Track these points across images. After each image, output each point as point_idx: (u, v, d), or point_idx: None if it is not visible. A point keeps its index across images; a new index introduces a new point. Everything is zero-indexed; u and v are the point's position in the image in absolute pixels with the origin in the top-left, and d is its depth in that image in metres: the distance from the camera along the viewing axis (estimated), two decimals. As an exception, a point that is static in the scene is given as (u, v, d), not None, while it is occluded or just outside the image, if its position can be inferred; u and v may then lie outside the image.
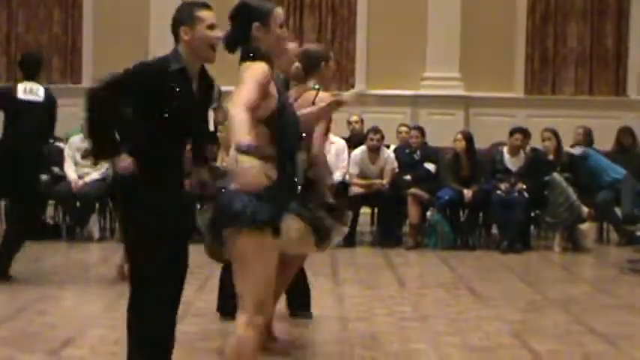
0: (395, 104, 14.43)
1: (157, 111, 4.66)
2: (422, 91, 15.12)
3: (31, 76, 8.42)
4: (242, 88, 3.96)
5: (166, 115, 4.65)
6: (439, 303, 8.05)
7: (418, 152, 12.14)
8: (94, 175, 11.22)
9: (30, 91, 8.35)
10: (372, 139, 11.58)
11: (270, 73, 4.08)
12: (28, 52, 11.01)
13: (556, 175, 11.50)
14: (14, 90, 8.38)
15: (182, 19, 4.69)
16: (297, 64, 6.32)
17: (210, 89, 4.93)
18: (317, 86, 6.20)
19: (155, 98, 4.65)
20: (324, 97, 5.92)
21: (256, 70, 4.04)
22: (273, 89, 4.10)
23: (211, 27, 4.66)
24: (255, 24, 4.14)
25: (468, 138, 11.85)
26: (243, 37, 4.17)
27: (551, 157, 11.85)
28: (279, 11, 4.21)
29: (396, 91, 14.61)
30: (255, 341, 4.04)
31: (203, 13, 4.69)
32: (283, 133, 4.09)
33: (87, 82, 15.23)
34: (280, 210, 4.04)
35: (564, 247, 11.47)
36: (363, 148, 11.69)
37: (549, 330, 7.03)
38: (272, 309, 6.14)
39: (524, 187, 11.44)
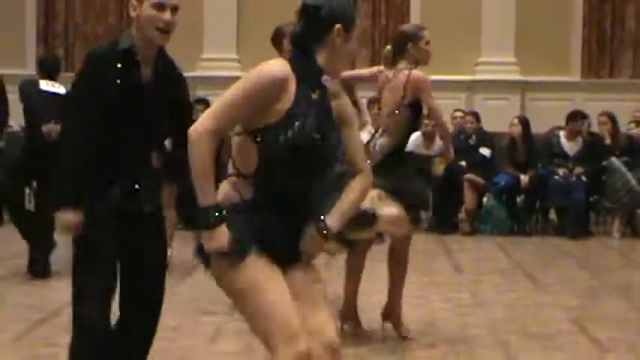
0: (450, 90, 14.33)
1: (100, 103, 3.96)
2: (477, 77, 15.01)
3: (50, 77, 8.46)
4: (221, 98, 3.30)
5: (106, 107, 3.94)
6: (496, 289, 8.00)
7: (473, 137, 12.07)
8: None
9: (52, 85, 8.38)
10: (426, 125, 11.53)
11: (284, 80, 3.28)
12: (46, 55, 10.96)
13: (614, 160, 11.36)
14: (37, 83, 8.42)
15: None
16: (388, 46, 6.21)
17: (172, 78, 4.16)
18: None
19: (100, 87, 3.96)
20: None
21: (260, 73, 3.31)
22: (283, 101, 3.28)
23: (159, 7, 3.93)
24: (338, 26, 3.38)
25: (525, 123, 11.76)
26: (317, 37, 3.40)
27: (608, 141, 11.71)
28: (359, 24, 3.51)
29: (451, 77, 14.51)
30: None
31: None
32: (274, 155, 3.27)
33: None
34: (242, 236, 3.25)
35: (623, 232, 11.34)
36: (417, 134, 11.63)
37: (608, 317, 6.96)
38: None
39: (583, 171, 11.31)
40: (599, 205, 11.84)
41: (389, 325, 6.29)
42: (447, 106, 12.93)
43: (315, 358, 3.24)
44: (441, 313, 6.98)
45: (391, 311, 6.27)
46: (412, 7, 15.40)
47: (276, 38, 7.10)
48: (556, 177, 11.33)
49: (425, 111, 6.21)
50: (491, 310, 7.17)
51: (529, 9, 14.93)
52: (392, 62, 6.09)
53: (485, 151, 11.91)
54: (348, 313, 6.24)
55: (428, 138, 11.62)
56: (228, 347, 5.93)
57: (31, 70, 15.60)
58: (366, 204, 5.43)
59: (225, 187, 3.37)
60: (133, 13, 4.00)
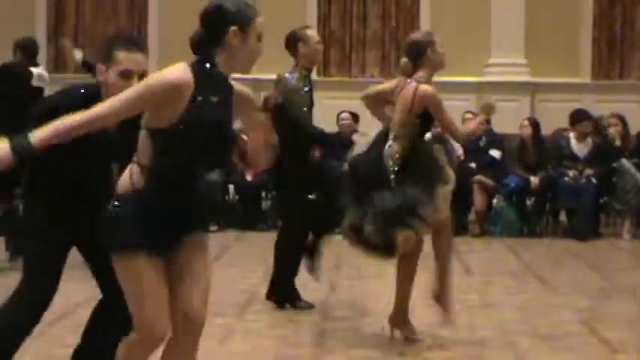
0: (459, 91, 14.31)
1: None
2: (487, 78, 15.00)
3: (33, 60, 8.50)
4: (124, 93, 3.58)
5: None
6: (506, 291, 7.99)
7: (483, 139, 12.06)
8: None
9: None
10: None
11: (182, 84, 3.52)
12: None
13: (624, 161, 11.35)
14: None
15: (100, 54, 4.11)
16: (404, 58, 6.13)
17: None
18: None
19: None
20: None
21: (159, 77, 3.57)
22: (176, 107, 3.52)
23: (126, 75, 4.02)
24: (233, 28, 3.56)
25: (535, 124, 11.75)
26: (216, 40, 3.59)
27: (617, 142, 11.69)
28: (260, 21, 3.65)
29: (461, 78, 14.49)
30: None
31: (121, 55, 4.06)
32: (166, 156, 3.58)
33: (152, 72, 15.38)
34: (133, 230, 3.61)
35: (634, 233, 11.32)
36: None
37: (619, 318, 6.95)
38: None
39: (593, 173, 11.30)
40: (609, 207, 11.81)
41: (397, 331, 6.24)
42: (457, 108, 12.91)
43: (174, 326, 3.69)
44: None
45: (398, 316, 6.19)
46: (422, 8, 15.38)
47: (290, 42, 7.11)
48: (566, 179, 11.32)
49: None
50: (501, 311, 7.16)
51: (539, 10, 14.91)
52: (412, 72, 6.06)
53: (495, 153, 11.90)
54: (399, 318, 6.16)
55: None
56: (239, 348, 5.94)
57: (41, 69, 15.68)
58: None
59: (127, 171, 3.65)
60: (100, 78, 4.05)
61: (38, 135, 3.50)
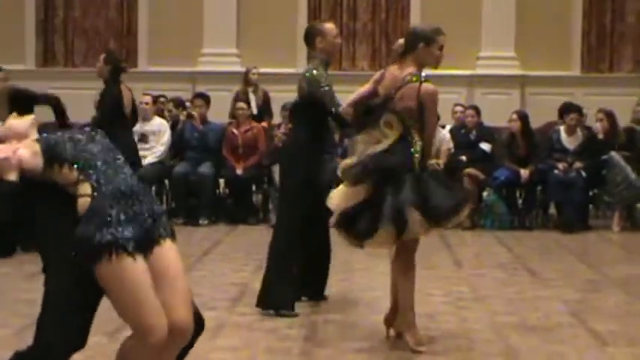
0: (450, 84, 14.31)
1: None
2: (477, 71, 15.02)
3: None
4: None
5: None
6: (496, 283, 8.01)
7: (474, 132, 12.07)
8: (150, 158, 11.35)
9: None
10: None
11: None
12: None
13: (614, 154, 11.37)
14: None
15: None
16: (401, 40, 6.02)
17: None
18: (421, 76, 5.79)
19: None
20: None
21: None
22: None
23: None
24: None
25: (523, 117, 11.76)
26: None
27: (600, 136, 11.72)
28: None
29: (451, 71, 14.50)
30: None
31: None
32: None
33: (142, 65, 15.38)
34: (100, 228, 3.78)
35: (623, 226, 11.35)
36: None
37: (609, 310, 6.97)
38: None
39: (582, 166, 11.33)
40: (599, 200, 11.85)
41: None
42: (448, 101, 12.94)
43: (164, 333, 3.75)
44: (441, 307, 6.99)
45: (394, 317, 6.00)
46: (412, 1, 15.39)
47: (309, 37, 7.02)
48: (556, 171, 11.34)
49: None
50: (491, 303, 7.18)
51: (529, 3, 14.95)
52: (400, 58, 5.94)
53: (485, 146, 11.91)
54: (395, 318, 6.00)
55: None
56: (229, 342, 5.94)
57: (30, 65, 15.66)
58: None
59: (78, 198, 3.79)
60: None
61: None
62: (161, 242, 3.86)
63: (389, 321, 6.07)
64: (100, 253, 3.71)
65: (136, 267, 3.71)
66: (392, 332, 6.07)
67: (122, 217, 3.77)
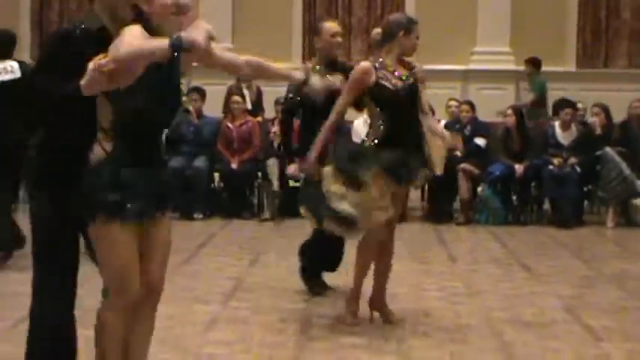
0: (445, 79, 14.35)
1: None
2: (472, 66, 15.03)
3: (4, 54, 8.21)
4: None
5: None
6: (491, 279, 8.01)
7: (468, 127, 12.06)
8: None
9: (4, 70, 8.05)
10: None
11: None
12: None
13: (608, 150, 11.37)
14: None
15: None
16: (378, 29, 6.19)
17: None
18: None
19: (64, 70, 3.81)
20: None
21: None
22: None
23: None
24: None
25: (518, 113, 11.76)
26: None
27: (598, 131, 11.73)
28: None
29: (446, 66, 14.52)
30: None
31: None
32: (122, 107, 3.82)
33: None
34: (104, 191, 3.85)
35: (617, 222, 11.36)
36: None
37: (603, 306, 6.97)
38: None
39: (577, 161, 11.34)
40: (594, 195, 11.86)
41: (377, 314, 6.37)
42: (442, 95, 12.96)
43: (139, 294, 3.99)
44: (435, 303, 6.99)
45: (377, 299, 6.36)
46: (408, -4, 15.39)
47: (312, 35, 7.08)
48: (550, 167, 11.35)
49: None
50: (485, 299, 7.18)
51: (524, -1, 14.97)
52: (380, 46, 6.10)
53: (480, 141, 11.90)
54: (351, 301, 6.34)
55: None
56: (223, 336, 5.94)
57: (25, 57, 15.59)
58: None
59: (95, 144, 3.86)
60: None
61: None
62: (159, 217, 4.03)
63: (371, 303, 6.36)
64: (100, 214, 3.85)
65: (119, 229, 3.87)
66: (375, 313, 6.33)
67: (134, 182, 3.87)
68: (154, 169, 4.00)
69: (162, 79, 3.87)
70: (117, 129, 3.84)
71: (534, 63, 14.27)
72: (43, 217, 4.09)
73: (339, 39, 7.04)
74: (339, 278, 7.21)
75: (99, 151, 3.85)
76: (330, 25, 7.02)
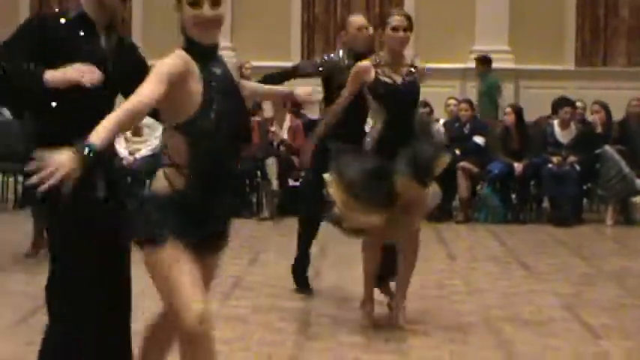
0: (444, 77, 14.33)
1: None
2: (471, 65, 15.02)
3: None
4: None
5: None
6: (490, 277, 8.01)
7: (467, 126, 12.07)
8: (144, 151, 11.32)
9: None
10: (420, 113, 11.50)
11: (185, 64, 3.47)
12: None
13: (608, 148, 11.38)
14: None
15: None
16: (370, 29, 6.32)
17: (127, 50, 4.00)
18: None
19: (46, 59, 3.69)
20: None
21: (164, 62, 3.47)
22: (193, 86, 3.49)
23: None
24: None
25: (518, 111, 11.77)
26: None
27: (599, 129, 11.74)
28: None
29: (445, 65, 14.51)
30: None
31: None
32: (199, 142, 3.48)
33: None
34: (167, 225, 3.47)
35: (617, 220, 11.36)
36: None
37: (602, 304, 6.98)
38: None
39: (576, 160, 11.34)
40: (593, 193, 11.87)
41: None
42: (441, 94, 12.96)
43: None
44: (434, 301, 6.99)
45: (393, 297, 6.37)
46: (407, -6, 15.38)
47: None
48: (550, 165, 11.35)
49: None
50: (485, 297, 7.18)
51: (523, -3, 14.97)
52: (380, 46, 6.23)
53: (479, 140, 11.91)
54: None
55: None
56: (222, 334, 5.91)
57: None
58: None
59: (159, 176, 3.54)
60: None
61: (95, 139, 3.22)
62: (214, 252, 3.70)
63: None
64: (154, 245, 3.49)
65: (183, 255, 3.50)
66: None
67: (196, 216, 3.53)
68: (222, 199, 3.61)
69: (225, 87, 3.58)
70: (196, 168, 3.51)
71: (484, 61, 14.27)
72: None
73: (366, 31, 7.07)
74: (343, 280, 7.20)
75: (163, 184, 3.52)
76: (357, 19, 7.12)
